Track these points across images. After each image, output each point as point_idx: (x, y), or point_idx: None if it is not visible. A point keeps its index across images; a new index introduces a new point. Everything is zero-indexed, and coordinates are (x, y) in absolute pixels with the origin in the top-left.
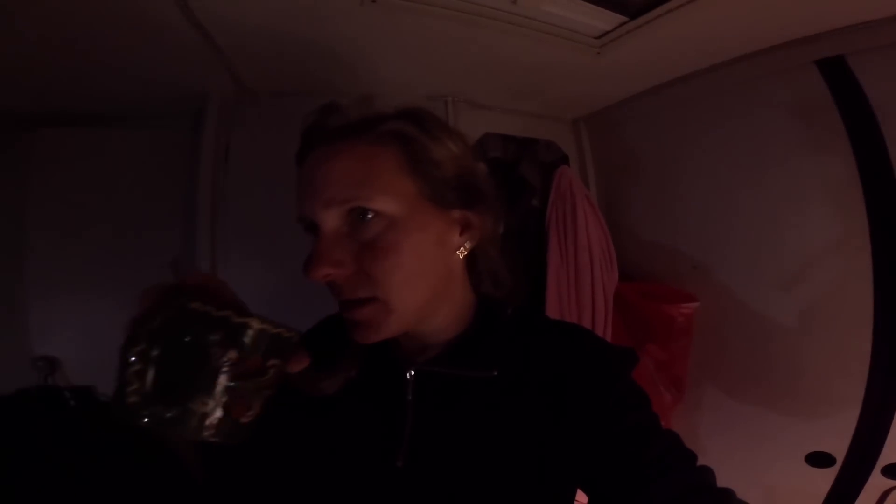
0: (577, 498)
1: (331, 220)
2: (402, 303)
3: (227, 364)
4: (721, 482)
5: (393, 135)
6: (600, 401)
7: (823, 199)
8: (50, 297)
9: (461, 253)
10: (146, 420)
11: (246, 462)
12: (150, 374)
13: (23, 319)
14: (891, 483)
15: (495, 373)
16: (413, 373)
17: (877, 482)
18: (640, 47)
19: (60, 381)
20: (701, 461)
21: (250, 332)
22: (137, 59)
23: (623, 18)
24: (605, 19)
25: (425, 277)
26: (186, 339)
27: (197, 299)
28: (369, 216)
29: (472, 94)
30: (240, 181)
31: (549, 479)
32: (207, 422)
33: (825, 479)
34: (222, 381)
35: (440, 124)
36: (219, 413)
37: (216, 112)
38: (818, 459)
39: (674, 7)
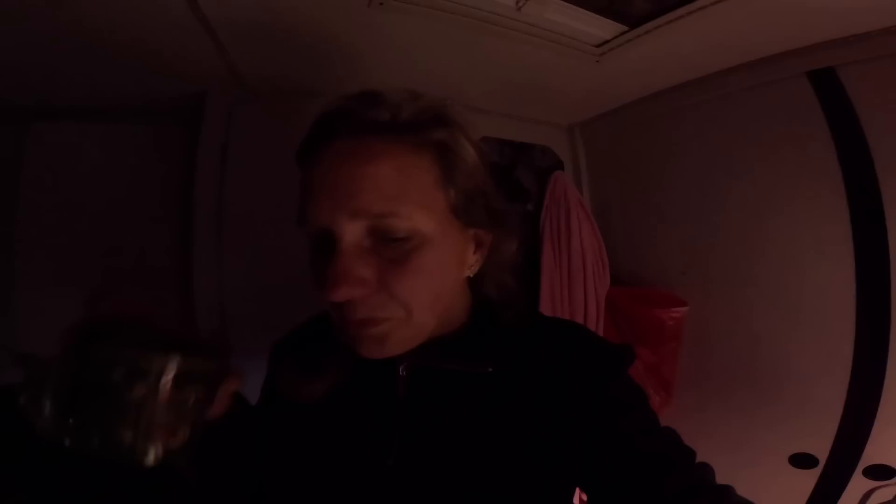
0: (576, 496)
1: (354, 232)
2: (421, 320)
3: (139, 398)
4: None
5: (434, 143)
6: (599, 398)
7: (810, 210)
8: (40, 292)
9: (471, 271)
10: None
11: (236, 465)
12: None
13: (11, 315)
14: (872, 484)
15: (490, 368)
16: (405, 368)
17: (859, 483)
18: (638, 56)
19: None
20: None
21: (156, 367)
22: (138, 52)
23: (623, 28)
24: (606, 28)
25: (445, 296)
26: (95, 379)
27: (103, 336)
28: (401, 233)
29: (470, 99)
30: (238, 179)
31: (546, 477)
32: (137, 448)
33: (808, 480)
34: (136, 413)
35: (466, 130)
36: (144, 441)
37: (215, 109)
38: (801, 461)
39: (673, 18)
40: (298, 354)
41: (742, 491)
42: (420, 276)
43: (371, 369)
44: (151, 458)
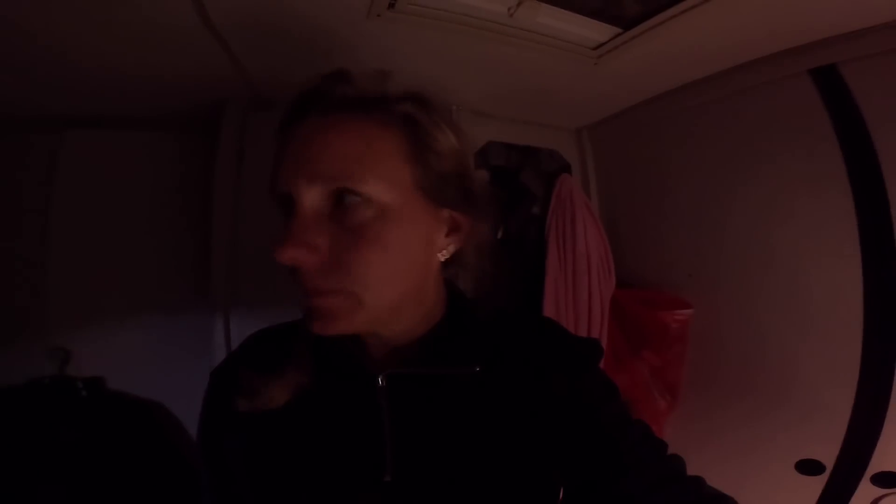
0: None
1: (312, 197)
2: (375, 300)
3: None
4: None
5: (402, 117)
6: (573, 394)
7: (815, 209)
8: (69, 290)
9: (443, 256)
10: None
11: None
12: None
13: (43, 311)
14: (880, 491)
15: (477, 368)
16: (385, 378)
17: (867, 491)
18: (636, 58)
19: (73, 371)
20: (693, 468)
21: None
22: (161, 66)
23: (617, 30)
24: (600, 31)
25: (405, 276)
26: None
27: None
28: (357, 200)
29: (476, 104)
30: (254, 184)
31: (538, 475)
32: None
33: (815, 487)
34: None
35: (445, 113)
36: None
37: (232, 116)
38: (808, 467)
39: (666, 18)
40: (253, 362)
41: (748, 498)
42: (375, 248)
43: (347, 381)
44: None
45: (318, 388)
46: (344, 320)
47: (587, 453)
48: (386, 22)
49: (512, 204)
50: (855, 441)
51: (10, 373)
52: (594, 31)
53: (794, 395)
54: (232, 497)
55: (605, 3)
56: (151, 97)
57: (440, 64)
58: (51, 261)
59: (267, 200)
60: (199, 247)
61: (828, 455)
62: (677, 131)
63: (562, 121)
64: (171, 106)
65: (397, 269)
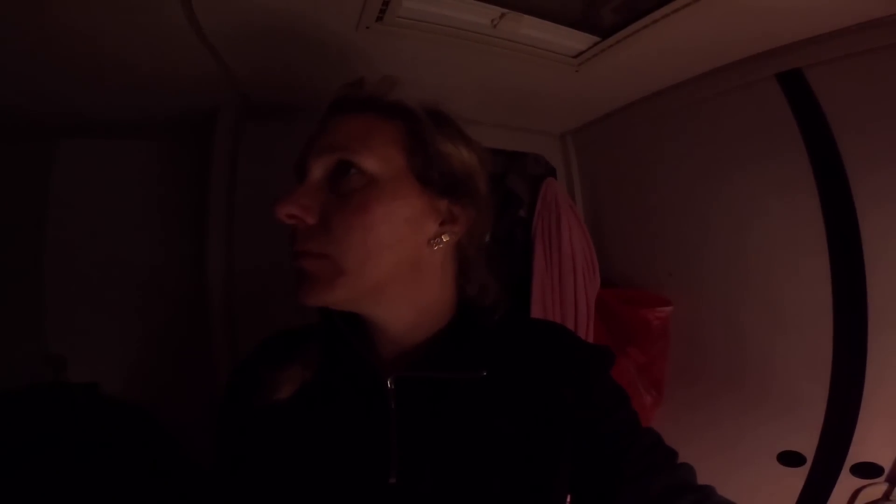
0: None
1: (318, 168)
2: (355, 268)
3: None
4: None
5: (402, 113)
6: (583, 401)
7: (785, 211)
8: (65, 297)
9: (436, 244)
10: None
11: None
12: None
13: (39, 319)
14: (860, 482)
15: (484, 373)
16: (394, 380)
17: (847, 481)
18: (614, 65)
19: (70, 377)
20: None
21: None
22: (155, 75)
23: (595, 39)
24: (579, 40)
25: (388, 251)
26: None
27: None
28: (352, 171)
29: (463, 111)
30: (247, 191)
31: (543, 482)
32: None
33: (798, 478)
34: None
35: (456, 128)
36: None
37: (225, 125)
38: (789, 459)
39: (640, 27)
40: (267, 359)
41: (734, 490)
42: (358, 213)
43: (355, 382)
44: None
45: (328, 388)
46: (325, 287)
47: (596, 461)
48: (375, 33)
49: (499, 208)
50: (832, 432)
51: (7, 379)
52: (574, 40)
53: (772, 390)
54: (240, 492)
55: (584, 13)
56: (145, 105)
57: (427, 72)
58: (47, 267)
59: (261, 204)
60: (195, 252)
61: (808, 447)
62: (655, 135)
63: (546, 126)
64: (164, 114)
65: (379, 240)
